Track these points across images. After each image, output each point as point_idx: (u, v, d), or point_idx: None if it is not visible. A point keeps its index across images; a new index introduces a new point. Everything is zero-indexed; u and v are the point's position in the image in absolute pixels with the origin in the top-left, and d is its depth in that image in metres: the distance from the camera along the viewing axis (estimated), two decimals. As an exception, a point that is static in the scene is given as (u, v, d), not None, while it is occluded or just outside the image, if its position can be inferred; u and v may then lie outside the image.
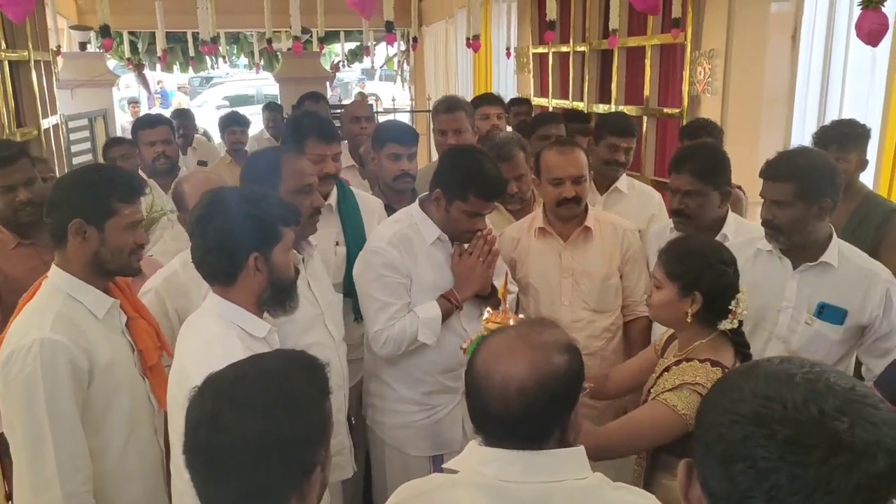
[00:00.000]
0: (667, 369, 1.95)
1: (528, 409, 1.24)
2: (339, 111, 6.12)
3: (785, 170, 2.15)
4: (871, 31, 2.66)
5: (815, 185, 2.14)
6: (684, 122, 4.84)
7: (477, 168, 2.32)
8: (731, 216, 2.59)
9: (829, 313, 2.21)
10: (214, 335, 1.75)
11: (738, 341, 1.96)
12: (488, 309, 2.13)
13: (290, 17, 4.16)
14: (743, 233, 2.50)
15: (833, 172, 2.19)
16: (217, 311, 1.78)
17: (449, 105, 3.36)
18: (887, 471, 0.74)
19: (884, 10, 2.67)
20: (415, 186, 3.09)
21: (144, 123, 3.85)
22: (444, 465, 1.36)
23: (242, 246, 1.74)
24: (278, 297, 1.81)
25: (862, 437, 0.74)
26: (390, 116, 9.22)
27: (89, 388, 1.82)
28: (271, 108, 6.34)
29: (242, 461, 1.12)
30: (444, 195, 2.35)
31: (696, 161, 2.46)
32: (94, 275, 1.89)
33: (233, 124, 5.34)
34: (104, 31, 3.89)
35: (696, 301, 1.89)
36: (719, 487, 0.80)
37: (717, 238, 2.44)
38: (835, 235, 2.25)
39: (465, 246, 2.44)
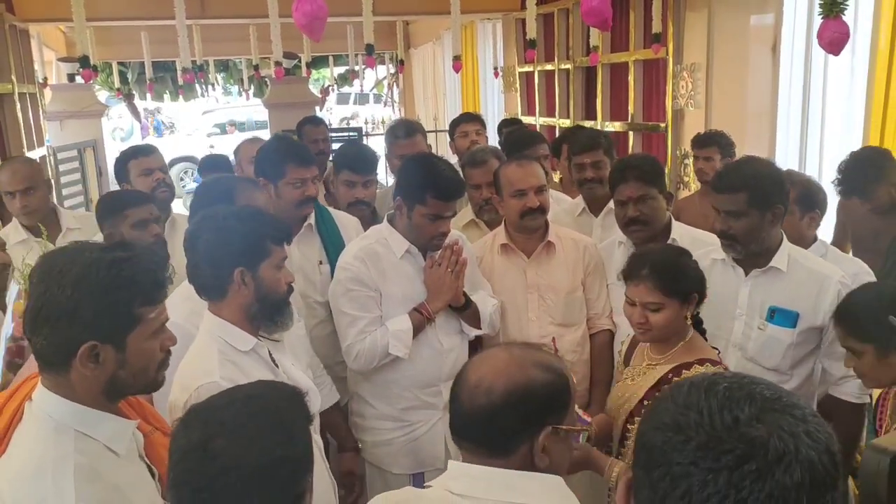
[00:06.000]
0: (665, 380, 1.95)
1: (490, 411, 1.24)
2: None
3: (735, 180, 2.19)
4: (832, 39, 2.67)
5: (765, 193, 2.19)
6: (669, 137, 4.86)
7: (431, 170, 2.38)
8: (675, 223, 2.63)
9: (780, 317, 2.23)
10: (196, 351, 1.77)
11: (700, 330, 2.06)
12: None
13: (272, 42, 4.15)
14: (689, 237, 2.56)
15: (782, 179, 2.26)
16: (207, 327, 1.80)
17: (408, 130, 3.56)
18: (803, 483, 0.72)
19: (844, 18, 2.68)
20: (375, 208, 3.16)
21: (136, 152, 3.34)
22: (426, 483, 1.36)
23: (227, 261, 1.76)
24: (267, 312, 1.81)
25: (777, 445, 0.73)
26: (380, 139, 9.21)
27: None
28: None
29: (235, 488, 1.10)
30: (404, 202, 2.39)
31: (638, 167, 2.52)
32: (107, 400, 1.40)
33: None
34: (84, 63, 3.87)
35: (693, 301, 2.00)
36: (643, 497, 0.80)
37: (668, 243, 2.52)
38: (786, 241, 2.29)
39: (437, 256, 2.45)
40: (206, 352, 1.75)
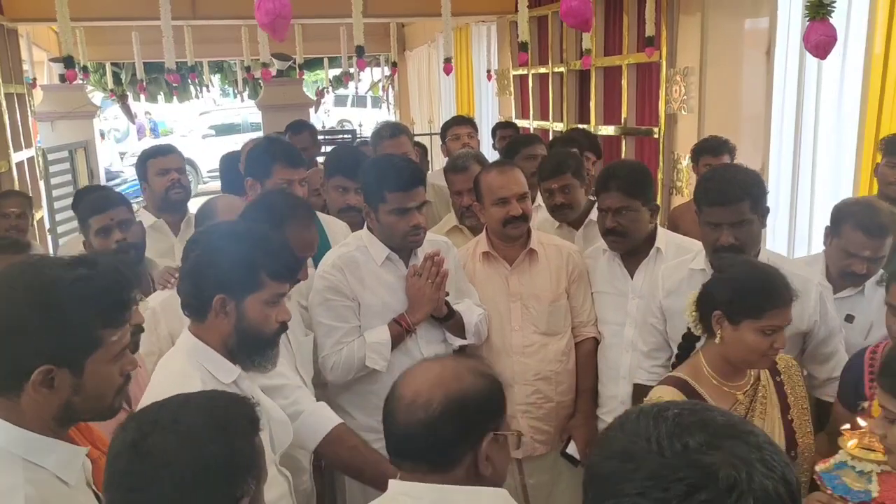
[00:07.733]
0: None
1: (430, 424, 1.23)
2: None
3: (738, 191, 2.14)
4: (818, 42, 2.61)
5: (761, 198, 2.19)
6: (662, 142, 4.81)
7: (383, 166, 2.37)
8: (661, 231, 2.58)
9: None
10: (177, 374, 1.63)
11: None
12: (846, 430, 1.73)
13: (259, 44, 4.11)
14: (674, 245, 2.52)
15: (763, 182, 2.25)
16: (186, 349, 1.67)
17: (393, 130, 3.50)
18: None
19: (832, 21, 2.62)
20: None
21: (155, 151, 3.39)
22: (371, 503, 1.34)
23: (209, 284, 1.62)
24: (245, 349, 1.66)
25: (729, 474, 0.68)
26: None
27: None
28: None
29: (167, 487, 1.05)
30: (370, 207, 2.37)
31: (623, 178, 2.46)
32: (58, 426, 1.30)
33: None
34: (68, 63, 3.80)
35: None
36: None
37: (651, 253, 2.51)
38: (764, 246, 2.27)
39: (418, 267, 2.40)
40: (188, 383, 1.58)
